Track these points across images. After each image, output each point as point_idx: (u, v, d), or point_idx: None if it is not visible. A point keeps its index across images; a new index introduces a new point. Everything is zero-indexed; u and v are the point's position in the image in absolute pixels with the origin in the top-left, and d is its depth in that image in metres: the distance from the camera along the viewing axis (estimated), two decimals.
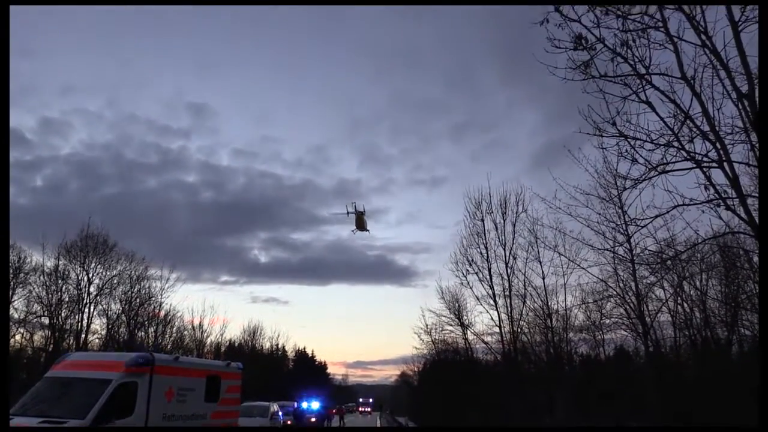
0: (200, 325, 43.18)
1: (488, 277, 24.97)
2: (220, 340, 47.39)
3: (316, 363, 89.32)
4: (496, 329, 25.16)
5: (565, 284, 23.42)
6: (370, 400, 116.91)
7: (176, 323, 39.63)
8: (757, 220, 6.89)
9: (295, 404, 35.53)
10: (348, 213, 28.43)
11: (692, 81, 7.50)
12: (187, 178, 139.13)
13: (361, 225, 29.12)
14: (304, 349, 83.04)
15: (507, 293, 24.43)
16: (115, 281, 33.67)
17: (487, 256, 25.12)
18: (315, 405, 39.97)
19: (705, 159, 7.56)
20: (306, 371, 73.99)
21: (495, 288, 24.78)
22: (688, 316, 21.32)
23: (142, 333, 36.08)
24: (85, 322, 31.93)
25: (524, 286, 24.29)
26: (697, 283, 20.42)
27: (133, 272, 34.71)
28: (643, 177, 8.21)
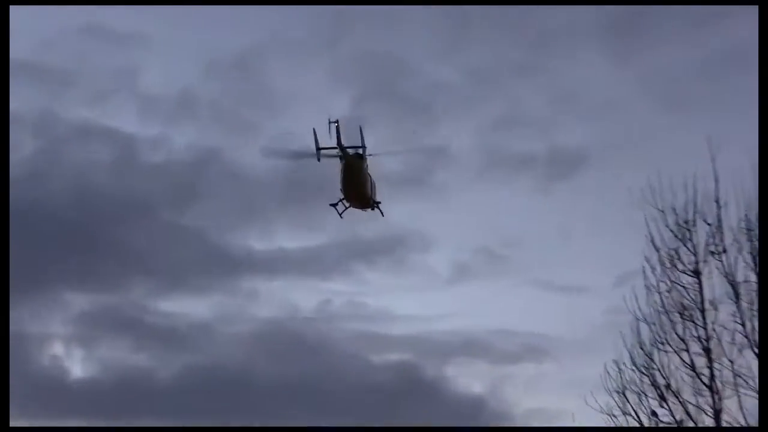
0: None
1: None
2: None
3: None
4: None
5: None
6: None
7: None
8: None
9: None
10: (318, 151, 15.40)
11: None
12: None
13: (356, 189, 16.26)
14: None
15: None
16: None
17: (711, 373, 11.65)
18: None
19: None
20: None
21: None
22: None
23: None
24: None
25: None
26: None
27: None
28: None
